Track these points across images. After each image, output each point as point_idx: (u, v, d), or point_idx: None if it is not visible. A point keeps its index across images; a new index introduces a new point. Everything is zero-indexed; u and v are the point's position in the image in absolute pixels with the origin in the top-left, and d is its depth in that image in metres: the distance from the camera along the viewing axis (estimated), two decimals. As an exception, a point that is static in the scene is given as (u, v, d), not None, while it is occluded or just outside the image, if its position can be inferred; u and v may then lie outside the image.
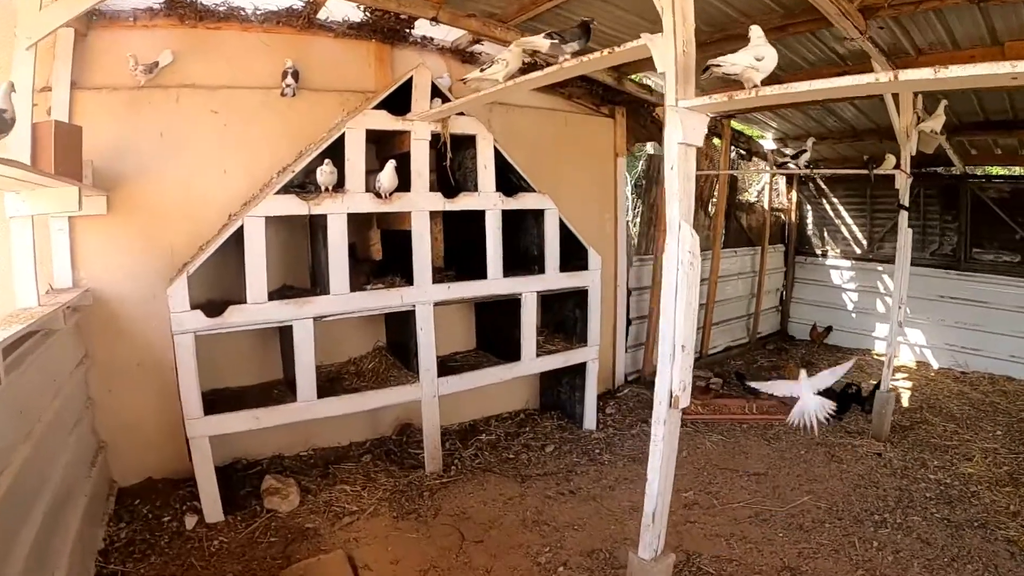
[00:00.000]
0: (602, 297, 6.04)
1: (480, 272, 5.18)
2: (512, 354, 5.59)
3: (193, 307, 4.04)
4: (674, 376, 2.91)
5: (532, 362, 5.52)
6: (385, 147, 5.17)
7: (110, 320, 4.54)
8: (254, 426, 4.32)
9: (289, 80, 4.78)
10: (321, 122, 4.97)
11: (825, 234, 10.22)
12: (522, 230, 5.77)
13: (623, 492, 5.00)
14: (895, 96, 5.60)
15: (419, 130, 4.66)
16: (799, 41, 5.82)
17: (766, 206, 9.76)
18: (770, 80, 2.68)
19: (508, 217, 5.22)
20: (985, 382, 8.40)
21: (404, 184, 4.64)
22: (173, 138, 4.63)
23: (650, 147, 8.04)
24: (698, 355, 8.74)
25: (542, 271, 5.48)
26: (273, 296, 4.38)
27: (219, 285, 4.62)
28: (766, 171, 9.30)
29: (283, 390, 4.91)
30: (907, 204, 6.09)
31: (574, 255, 5.74)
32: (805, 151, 6.41)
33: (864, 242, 9.83)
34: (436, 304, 4.89)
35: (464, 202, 4.93)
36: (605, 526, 4.49)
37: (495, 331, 5.99)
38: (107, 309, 4.52)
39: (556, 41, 3.11)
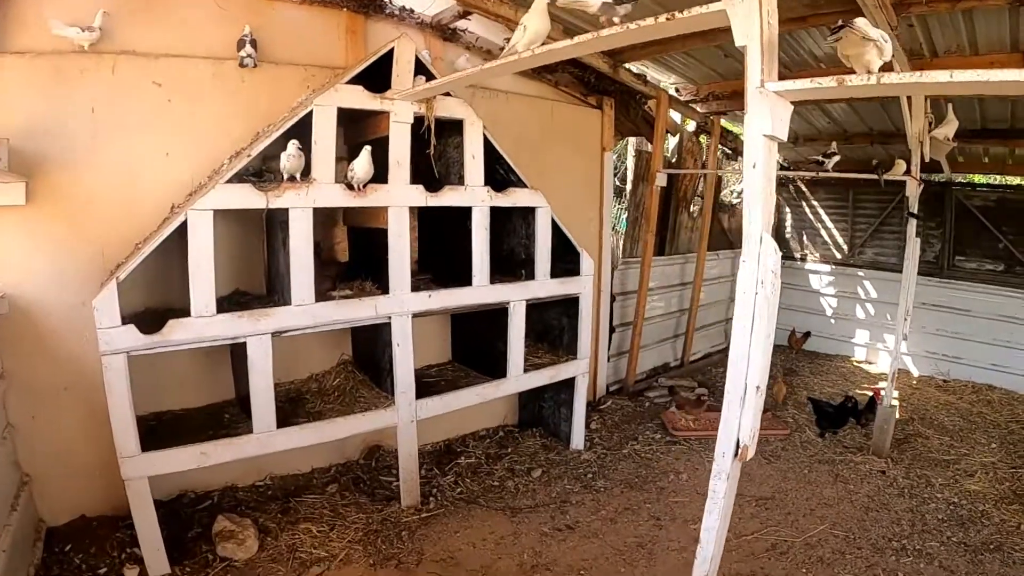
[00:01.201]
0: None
1: (462, 278, 4.51)
2: (495, 369, 4.93)
3: (126, 320, 3.27)
4: (743, 423, 2.32)
5: (519, 379, 4.87)
6: (355, 131, 4.46)
7: (31, 332, 3.73)
8: (202, 463, 3.57)
9: (248, 49, 4.02)
10: (282, 100, 4.21)
11: (804, 238, 9.87)
12: (508, 230, 5.11)
13: (626, 526, 4.42)
14: (908, 100, 5.25)
15: (400, 111, 3.95)
16: (811, 34, 5.37)
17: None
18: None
19: (493, 215, 4.55)
20: (968, 391, 8.27)
21: (378, 175, 3.92)
22: (107, 115, 3.82)
23: (632, 143, 7.45)
24: (679, 363, 8.22)
25: (531, 276, 4.83)
26: (223, 305, 3.64)
27: (160, 290, 3.89)
28: (787, 171, 8.78)
29: (235, 413, 4.17)
30: (917, 212, 5.69)
31: (563, 258, 5.13)
32: (835, 154, 5.93)
33: (845, 247, 9.52)
34: (415, 316, 4.19)
35: (449, 197, 4.24)
36: (615, 569, 3.92)
37: (475, 342, 5.31)
38: (27, 319, 3.70)
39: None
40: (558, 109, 6.04)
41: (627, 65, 5.99)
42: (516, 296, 4.67)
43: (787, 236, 10.00)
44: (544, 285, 4.85)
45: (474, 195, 4.34)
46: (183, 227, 3.36)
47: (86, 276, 3.76)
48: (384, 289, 4.10)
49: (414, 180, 4.09)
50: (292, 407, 4.24)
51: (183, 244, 3.39)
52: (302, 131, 3.70)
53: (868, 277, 9.26)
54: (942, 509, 4.83)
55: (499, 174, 4.67)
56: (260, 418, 3.66)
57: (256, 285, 4.44)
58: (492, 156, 4.51)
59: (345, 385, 4.68)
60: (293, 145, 3.58)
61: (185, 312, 3.42)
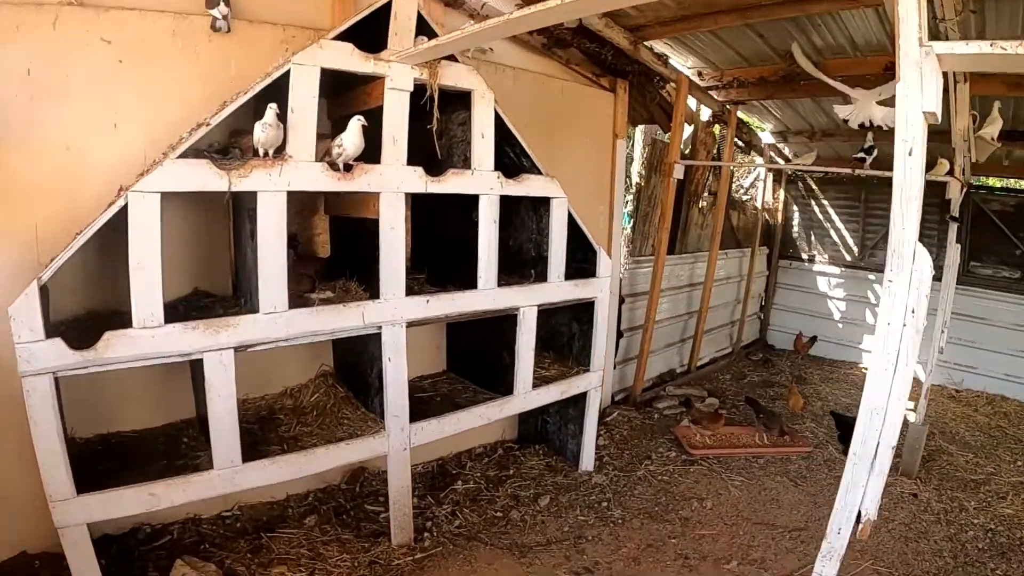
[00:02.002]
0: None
1: (464, 279, 3.80)
2: (499, 383, 4.24)
3: (54, 331, 2.53)
4: (868, 491, 1.67)
5: (528, 396, 4.17)
6: (339, 105, 3.73)
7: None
8: (151, 506, 2.83)
9: (223, 9, 3.24)
10: (255, 65, 3.40)
11: (812, 238, 9.26)
12: (515, 223, 4.40)
13: (652, 567, 3.80)
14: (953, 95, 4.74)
15: (398, 76, 3.21)
16: (853, 17, 4.76)
17: (759, 205, 8.69)
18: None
19: (501, 205, 3.83)
20: (982, 402, 7.83)
21: (369, 154, 3.19)
22: (46, 78, 3.01)
23: (641, 131, 6.75)
24: (685, 369, 7.57)
25: (543, 278, 4.13)
26: (178, 310, 2.91)
27: (107, 289, 3.15)
28: (817, 168, 8.12)
29: (196, 436, 3.44)
30: (958, 216, 5.14)
31: (575, 256, 4.42)
32: (874, 148, 5.32)
33: (855, 248, 8.93)
34: (410, 325, 3.46)
35: (453, 183, 3.51)
36: (646, 631, 3.21)
37: (475, 350, 4.59)
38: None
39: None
40: (569, 90, 5.33)
41: (648, 43, 5.29)
42: (527, 301, 3.96)
43: (794, 235, 9.39)
44: (558, 288, 4.14)
45: (482, 181, 3.61)
46: (123, 214, 2.61)
47: (15, 274, 2.95)
48: (373, 292, 3.36)
49: (411, 161, 3.34)
50: (262, 430, 3.51)
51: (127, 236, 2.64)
52: (276, 98, 2.95)
53: (879, 281, 8.62)
54: (981, 537, 4.41)
55: (509, 158, 3.96)
56: (222, 451, 2.93)
57: (220, 284, 3.69)
58: (502, 136, 3.79)
59: (325, 402, 3.95)
60: (271, 111, 2.84)
61: (129, 320, 2.67)
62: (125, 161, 3.18)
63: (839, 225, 8.98)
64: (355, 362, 3.83)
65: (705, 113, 6.89)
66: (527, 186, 3.83)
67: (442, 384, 4.56)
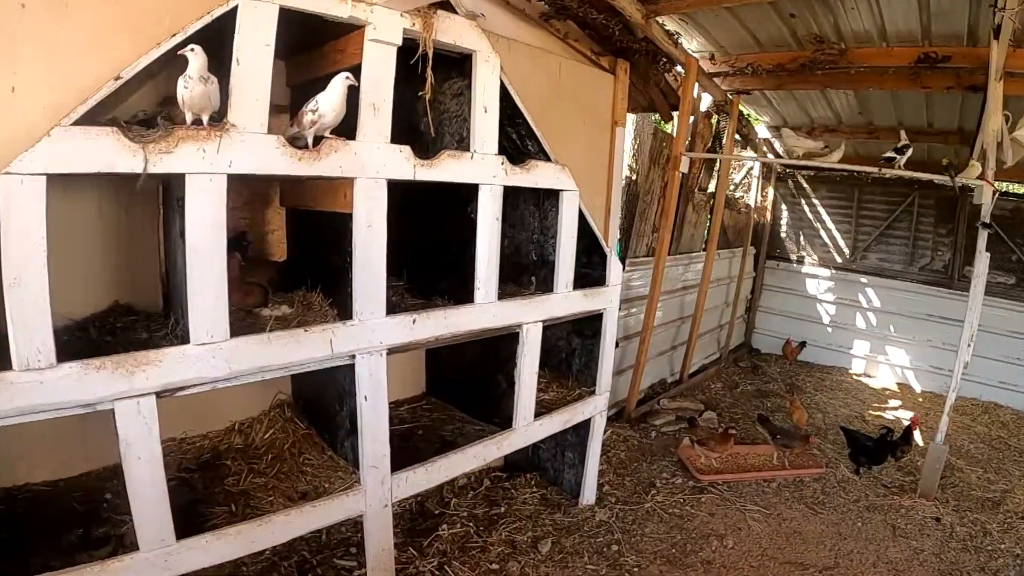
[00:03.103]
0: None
1: (456, 288, 3.01)
2: (493, 411, 3.49)
3: None
4: None
5: (529, 429, 3.42)
6: (304, 66, 2.90)
7: None
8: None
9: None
10: (194, 11, 2.57)
11: (802, 238, 8.70)
12: (512, 220, 3.62)
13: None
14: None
15: (383, 25, 2.39)
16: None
17: (752, 203, 8.07)
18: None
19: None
20: (978, 410, 7.42)
21: (341, 127, 2.38)
22: None
23: (631, 120, 6.02)
24: (677, 379, 6.90)
25: (546, 287, 3.39)
26: (87, 335, 2.10)
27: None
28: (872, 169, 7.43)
29: (122, 493, 2.54)
30: (990, 223, 4.63)
31: (581, 261, 3.66)
32: (909, 146, 4.71)
33: (847, 250, 8.40)
34: (392, 352, 2.65)
35: (448, 168, 2.70)
36: None
37: (461, 370, 3.81)
38: None
39: None
40: (567, 68, 4.55)
41: (660, 19, 4.56)
42: (531, 317, 3.19)
43: (782, 236, 8.82)
44: (566, 300, 3.39)
45: (484, 167, 2.81)
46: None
47: None
48: (343, 309, 2.56)
49: (396, 139, 2.53)
50: (205, 482, 2.70)
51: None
52: (218, 49, 2.13)
53: (871, 284, 8.18)
54: (1011, 565, 4.07)
55: (510, 140, 3.19)
56: (149, 529, 2.08)
57: (149, 296, 2.83)
58: (505, 113, 3.00)
59: (283, 441, 3.13)
60: (196, 58, 2.01)
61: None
62: (26, 132, 2.30)
63: (830, 225, 8.44)
64: (319, 392, 3.02)
65: (703, 102, 6.20)
66: (535, 175, 3.05)
67: (423, 412, 3.76)
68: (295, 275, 3.02)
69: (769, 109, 6.97)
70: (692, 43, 5.48)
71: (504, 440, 3.28)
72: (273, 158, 2.22)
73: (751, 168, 8.13)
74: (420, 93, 2.56)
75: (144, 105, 2.48)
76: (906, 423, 5.52)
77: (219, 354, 2.19)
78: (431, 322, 2.71)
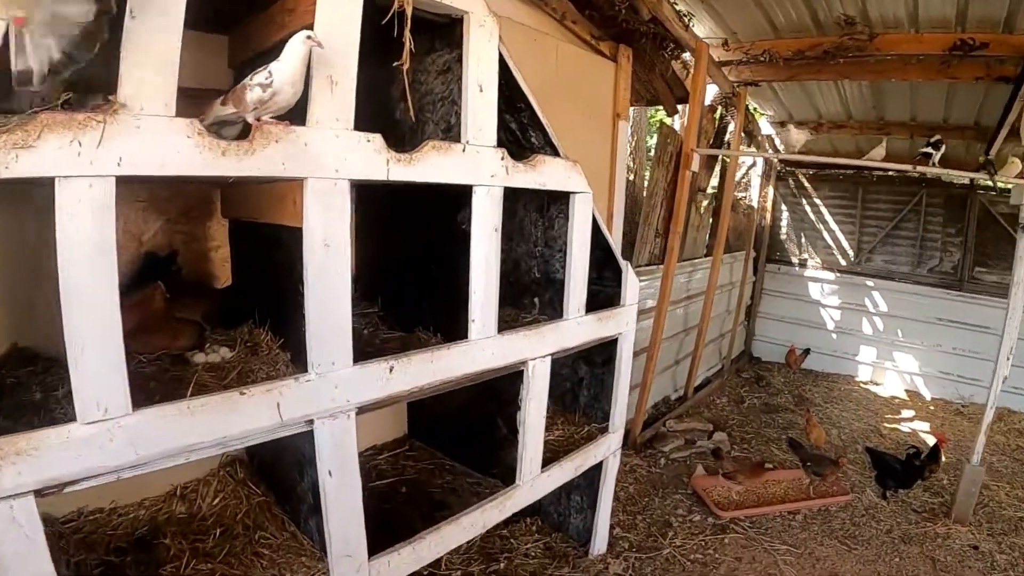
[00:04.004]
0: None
1: (445, 318, 2.32)
2: (490, 460, 2.82)
3: None
4: None
5: (537, 483, 2.72)
6: (247, 39, 2.20)
7: None
8: None
9: None
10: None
11: (804, 240, 8.10)
12: (509, 229, 2.92)
13: None
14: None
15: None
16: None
17: (754, 203, 7.46)
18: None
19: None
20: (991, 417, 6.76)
21: (296, 109, 1.69)
22: None
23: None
24: (681, 395, 6.25)
25: (555, 311, 2.71)
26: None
27: None
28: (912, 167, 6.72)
29: None
30: None
31: (591, 277, 2.97)
32: (942, 142, 4.14)
33: (851, 252, 7.81)
34: (363, 410, 1.94)
35: (432, 165, 1.97)
36: None
37: (451, 412, 3.10)
38: None
39: None
40: (565, 54, 3.90)
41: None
42: (539, 350, 2.50)
43: (782, 237, 8.22)
44: (579, 327, 2.70)
45: (479, 163, 2.11)
46: None
47: None
48: (297, 354, 1.86)
49: (363, 125, 1.83)
50: (138, 569, 1.98)
51: None
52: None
53: (877, 287, 7.59)
54: None
55: (511, 131, 2.51)
56: None
57: (57, 335, 2.11)
58: (504, 96, 2.31)
59: (235, 510, 2.43)
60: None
61: None
62: None
63: (833, 226, 7.85)
64: (275, 454, 2.31)
65: (707, 95, 5.57)
66: (542, 173, 2.37)
67: (406, 461, 3.05)
68: (243, 303, 2.32)
69: (774, 102, 6.36)
70: (700, 28, 4.84)
71: (507, 500, 2.58)
72: (184, 152, 1.51)
73: (751, 166, 7.52)
74: (396, 64, 1.85)
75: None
76: (922, 434, 4.99)
77: (118, 434, 1.49)
78: (414, 367, 2.00)
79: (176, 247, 2.55)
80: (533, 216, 2.86)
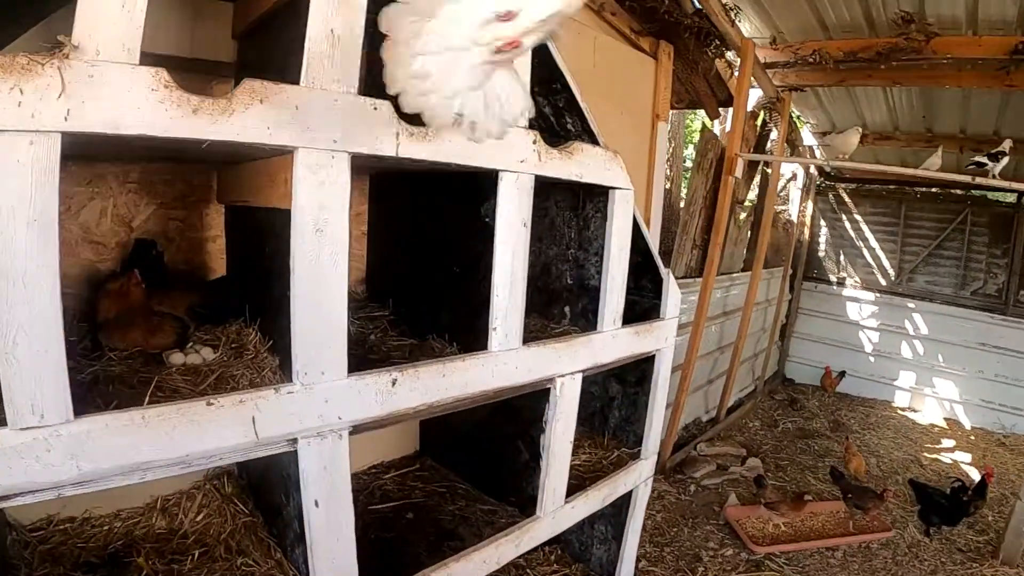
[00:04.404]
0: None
1: (463, 325, 2.00)
2: (508, 485, 2.48)
3: None
4: None
5: (559, 514, 2.37)
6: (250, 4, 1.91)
7: None
8: None
9: None
10: None
11: (842, 258, 7.64)
12: (541, 230, 2.60)
13: None
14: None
15: None
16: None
17: (793, 218, 7.05)
18: None
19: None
20: None
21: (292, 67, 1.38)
22: None
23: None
24: (713, 418, 5.85)
25: (588, 322, 2.37)
26: None
27: None
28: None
29: None
30: None
31: (629, 286, 2.63)
32: (1004, 154, 3.74)
33: (891, 272, 7.34)
34: (359, 430, 1.61)
35: (451, 142, 1.64)
36: None
37: (468, 429, 2.75)
38: None
39: None
40: (603, 46, 3.58)
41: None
42: (568, 366, 2.15)
43: (821, 255, 7.77)
44: (615, 341, 2.35)
45: (507, 144, 1.77)
46: None
47: None
48: (284, 360, 1.55)
49: (369, 88, 1.51)
50: None
51: None
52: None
53: (919, 309, 7.11)
54: None
55: (544, 116, 2.19)
56: None
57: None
58: (536, 76, 1.98)
59: (219, 528, 2.11)
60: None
61: None
62: None
63: (873, 244, 7.39)
64: (262, 472, 2.00)
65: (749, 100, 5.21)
66: (579, 163, 2.03)
67: (414, 482, 2.71)
68: (234, 298, 2.02)
69: (817, 110, 5.96)
70: (745, 26, 4.49)
71: (525, 535, 2.23)
72: (146, 108, 1.20)
73: (790, 179, 7.11)
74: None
75: None
76: (964, 465, 4.55)
77: (56, 445, 1.18)
78: (423, 381, 1.67)
79: (171, 235, 2.27)
80: (566, 214, 2.53)
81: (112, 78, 1.17)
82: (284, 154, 1.43)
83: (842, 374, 7.22)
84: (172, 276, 2.14)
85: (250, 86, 1.28)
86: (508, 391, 1.96)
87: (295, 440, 1.49)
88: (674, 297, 2.68)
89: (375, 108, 1.47)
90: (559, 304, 2.56)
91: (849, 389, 7.37)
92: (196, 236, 2.32)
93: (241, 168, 1.85)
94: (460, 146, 1.65)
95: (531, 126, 1.90)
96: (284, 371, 1.60)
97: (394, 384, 1.61)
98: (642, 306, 2.71)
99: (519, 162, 1.81)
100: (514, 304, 1.88)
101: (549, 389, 2.15)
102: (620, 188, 2.24)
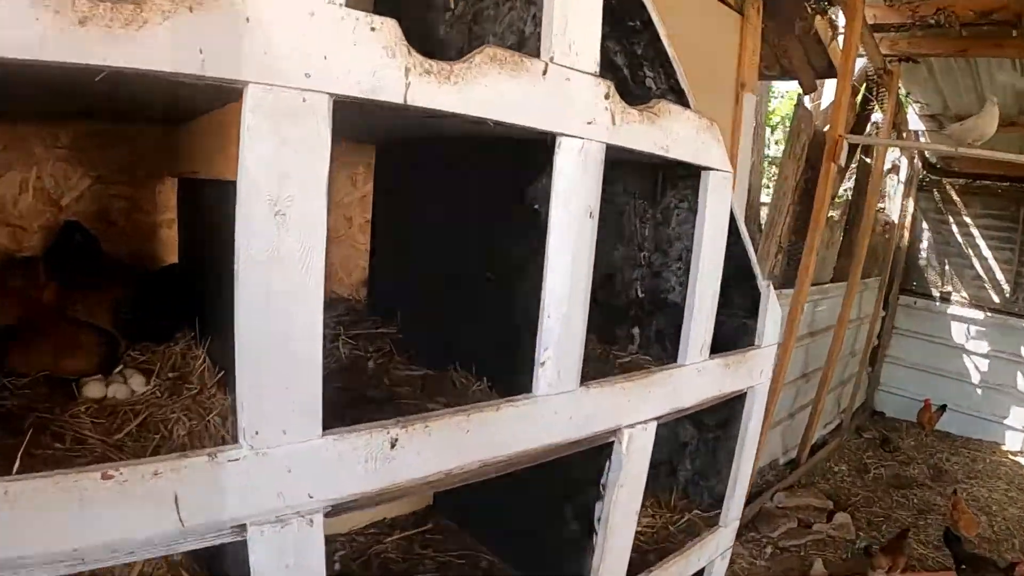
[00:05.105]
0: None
1: (495, 353, 1.59)
2: (548, 563, 2.04)
3: None
4: None
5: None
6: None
7: None
8: None
9: None
10: None
11: (947, 268, 7.05)
12: (603, 224, 2.18)
13: None
14: None
15: None
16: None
17: (894, 218, 6.50)
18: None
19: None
20: None
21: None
22: None
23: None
24: (793, 460, 5.34)
25: (665, 351, 1.97)
26: None
27: None
28: None
29: None
30: None
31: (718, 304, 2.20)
32: None
33: (1006, 287, 6.72)
34: (340, 510, 1.19)
35: (488, 88, 1.21)
36: None
37: (496, 485, 2.34)
38: None
39: None
40: (678, -3, 3.15)
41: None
42: (638, 413, 1.72)
43: (921, 263, 7.18)
44: (700, 377, 1.90)
45: (568, 95, 1.32)
46: None
47: None
48: (233, 401, 1.15)
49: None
50: None
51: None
52: None
53: (1038, 333, 6.53)
54: None
55: (614, 64, 1.78)
56: None
57: None
58: (609, 10, 1.56)
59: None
60: None
61: None
62: None
63: (985, 252, 6.79)
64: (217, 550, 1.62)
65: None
66: (664, 130, 1.59)
67: (424, 548, 2.28)
68: (182, 300, 1.64)
69: (928, 87, 5.40)
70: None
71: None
72: (15, 18, 0.83)
73: (890, 170, 6.54)
74: None
75: None
76: None
77: None
78: (437, 440, 1.25)
79: (113, 217, 1.91)
80: (639, 204, 2.09)
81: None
82: (236, 99, 1.04)
83: (943, 408, 6.64)
84: (108, 271, 1.77)
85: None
86: (558, 449, 1.54)
87: (242, 527, 1.09)
88: (774, 318, 2.23)
89: (372, 28, 1.05)
90: (625, 324, 2.13)
91: (950, 427, 6.79)
92: (146, 219, 1.95)
93: (192, 126, 1.46)
94: (499, 95, 1.22)
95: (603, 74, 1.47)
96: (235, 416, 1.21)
97: (394, 445, 1.19)
98: (731, 329, 2.26)
99: (586, 124, 1.38)
100: (572, 329, 1.46)
101: (612, 442, 1.72)
102: (717, 170, 1.81)
